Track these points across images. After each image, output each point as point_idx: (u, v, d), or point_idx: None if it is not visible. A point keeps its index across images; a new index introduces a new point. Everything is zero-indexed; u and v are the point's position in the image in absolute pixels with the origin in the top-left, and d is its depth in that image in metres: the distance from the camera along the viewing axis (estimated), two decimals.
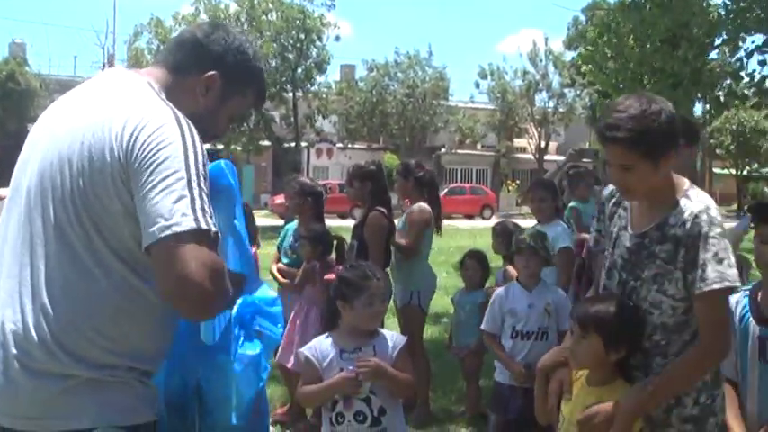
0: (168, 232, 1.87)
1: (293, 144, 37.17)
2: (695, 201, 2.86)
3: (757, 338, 2.82)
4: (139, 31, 36.94)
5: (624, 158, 2.79)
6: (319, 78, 37.21)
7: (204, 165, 2.02)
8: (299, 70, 35.06)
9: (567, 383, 3.06)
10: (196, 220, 1.90)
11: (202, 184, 1.98)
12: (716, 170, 50.96)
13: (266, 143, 36.39)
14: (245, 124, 34.66)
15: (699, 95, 14.59)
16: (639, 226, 2.96)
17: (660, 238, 2.87)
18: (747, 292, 2.88)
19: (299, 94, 36.20)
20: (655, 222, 2.90)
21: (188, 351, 2.56)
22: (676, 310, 2.85)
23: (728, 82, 15.35)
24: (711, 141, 45.17)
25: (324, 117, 40.15)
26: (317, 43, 35.10)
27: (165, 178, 1.92)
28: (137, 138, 1.97)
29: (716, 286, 2.71)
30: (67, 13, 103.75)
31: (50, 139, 2.13)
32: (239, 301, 2.66)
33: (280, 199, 25.20)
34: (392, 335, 3.60)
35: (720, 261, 2.73)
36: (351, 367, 3.39)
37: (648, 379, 2.85)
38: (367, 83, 46.11)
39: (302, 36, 34.25)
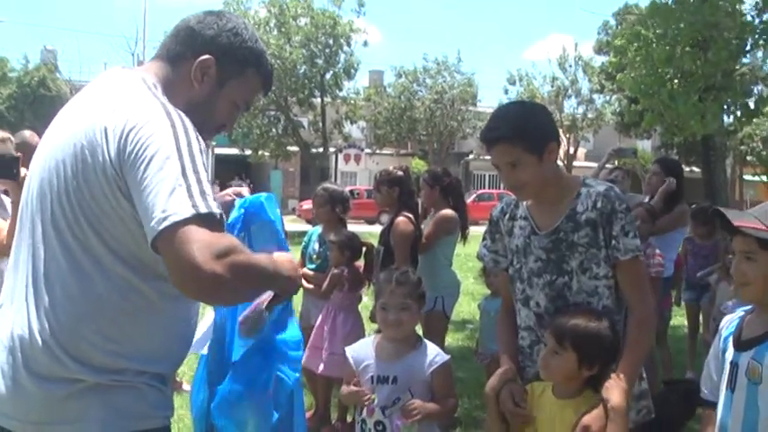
0: (167, 223, 1.83)
1: (321, 149, 37.23)
2: (596, 185, 3.07)
3: (729, 363, 2.69)
4: None
5: (510, 155, 2.95)
6: (348, 84, 37.24)
7: (200, 152, 1.97)
8: (328, 76, 35.10)
9: (517, 395, 3.03)
10: (194, 206, 1.86)
11: (199, 169, 1.93)
12: (746, 177, 50.39)
13: (294, 148, 36.49)
14: (273, 129, 34.77)
15: (729, 101, 14.43)
16: (548, 225, 3.07)
17: (574, 227, 3.01)
18: (743, 314, 2.80)
19: (328, 99, 36.25)
20: (564, 215, 3.04)
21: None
22: (611, 289, 3.03)
23: (760, 87, 15.20)
24: (742, 148, 44.69)
25: (352, 123, 40.20)
26: (346, 49, 35.14)
27: (158, 171, 1.89)
28: (126, 136, 1.95)
29: (630, 255, 2.96)
30: (98, 19, 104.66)
31: (50, 145, 2.14)
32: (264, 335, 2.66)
33: (307, 204, 25.28)
34: (434, 352, 3.54)
35: (627, 233, 2.96)
36: (374, 374, 3.40)
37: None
38: (395, 89, 46.07)
39: (331, 42, 34.30)
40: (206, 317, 2.68)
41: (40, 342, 1.99)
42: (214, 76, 2.24)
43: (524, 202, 3.19)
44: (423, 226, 6.40)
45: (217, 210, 1.91)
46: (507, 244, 3.23)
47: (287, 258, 2.25)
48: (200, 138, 2.02)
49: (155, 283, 2.03)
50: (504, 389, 3.04)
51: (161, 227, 1.83)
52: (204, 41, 2.23)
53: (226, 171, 38.63)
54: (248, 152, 36.90)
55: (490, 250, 3.32)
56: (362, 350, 3.58)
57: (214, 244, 1.84)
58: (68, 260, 2.02)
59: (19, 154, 3.75)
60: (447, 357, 3.55)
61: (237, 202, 3.02)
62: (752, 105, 14.49)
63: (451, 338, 8.63)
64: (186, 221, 1.83)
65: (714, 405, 2.79)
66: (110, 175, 1.97)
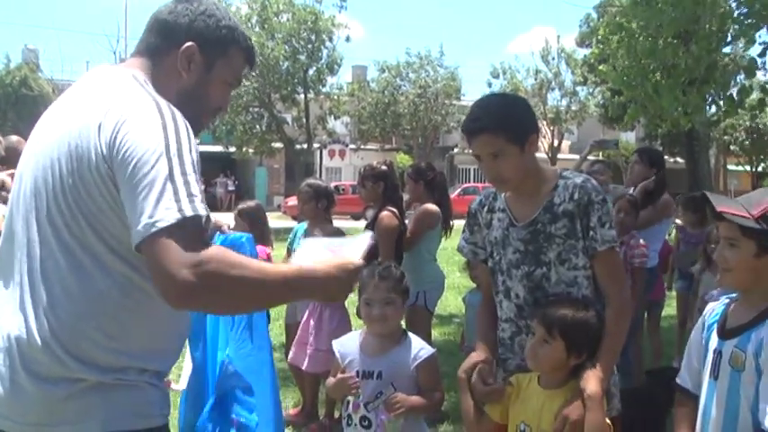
0: (154, 229, 1.83)
1: (305, 146, 37.14)
2: (573, 177, 3.10)
3: (712, 352, 2.71)
4: None
5: (492, 146, 2.97)
6: (331, 80, 37.15)
7: (190, 151, 1.95)
8: (311, 72, 35.02)
9: (485, 373, 3.06)
10: (180, 210, 1.85)
11: (187, 170, 1.91)
12: (730, 167, 50.66)
13: (278, 145, 36.39)
14: (257, 126, 34.66)
15: (713, 93, 14.47)
16: (526, 217, 3.10)
17: (551, 218, 3.05)
18: (728, 302, 2.80)
19: (311, 95, 36.17)
20: (541, 206, 3.06)
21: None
22: (590, 279, 3.07)
23: (742, 77, 15.24)
24: (725, 138, 44.93)
25: (336, 118, 40.12)
26: (328, 44, 35.06)
27: (146, 174, 1.88)
28: (117, 133, 1.94)
29: (606, 246, 3.00)
30: (80, 18, 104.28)
31: (42, 144, 2.12)
32: (223, 370, 2.67)
33: (293, 201, 25.25)
34: (419, 346, 3.54)
35: (603, 224, 2.99)
36: (359, 370, 3.40)
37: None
38: (379, 83, 46.05)
39: (313, 38, 34.22)
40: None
41: (39, 342, 1.97)
42: (200, 62, 2.23)
43: (502, 195, 3.21)
44: (406, 220, 6.41)
45: (203, 212, 1.90)
46: (486, 236, 3.26)
47: (330, 265, 2.15)
48: (191, 135, 2.00)
49: None
50: (475, 372, 3.06)
51: (148, 232, 1.83)
52: (181, 30, 2.22)
53: (210, 169, 38.54)
54: (232, 149, 36.79)
55: (469, 242, 3.35)
56: (349, 344, 3.58)
57: (190, 253, 1.83)
58: (67, 258, 1.99)
59: None
60: (432, 351, 3.54)
61: (218, 238, 3.03)
62: (735, 97, 14.54)
63: (438, 332, 8.64)
64: (172, 228, 1.83)
65: (688, 392, 2.83)
66: (103, 172, 1.96)
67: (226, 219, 4.37)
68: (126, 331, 2.01)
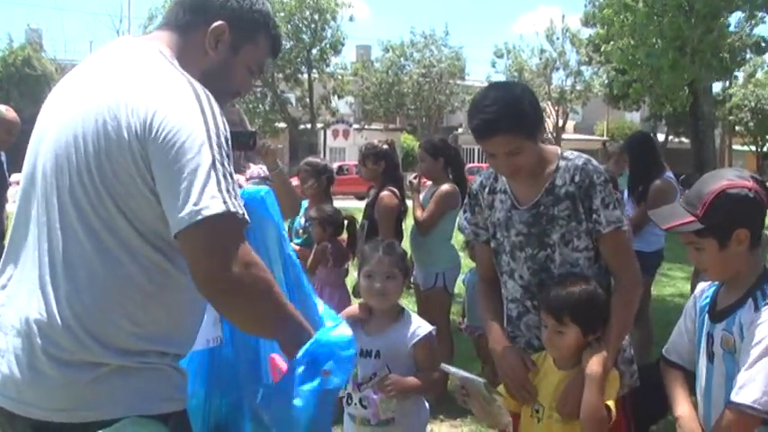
0: (199, 217, 1.81)
1: (309, 125, 37.14)
2: (574, 157, 3.06)
3: (705, 335, 2.72)
4: (154, 14, 36.97)
5: (508, 145, 2.90)
6: (335, 59, 37.22)
7: (226, 139, 1.94)
8: (314, 51, 34.96)
9: (528, 360, 3.07)
10: (225, 202, 1.84)
11: (226, 164, 1.90)
12: (735, 147, 50.53)
13: (282, 125, 36.40)
14: (260, 106, 34.63)
15: (708, 57, 14.38)
16: (528, 199, 3.07)
17: (554, 201, 3.01)
18: (718, 283, 2.80)
19: (315, 75, 36.12)
20: (543, 189, 3.03)
21: (233, 379, 2.55)
22: (591, 261, 3.04)
23: (746, 54, 15.18)
24: (731, 118, 44.78)
25: (340, 98, 40.15)
26: (332, 24, 34.96)
27: (189, 160, 1.85)
28: (155, 114, 1.89)
29: (612, 227, 2.95)
30: None
31: (63, 119, 2.04)
32: (313, 339, 2.56)
33: (295, 181, 25.24)
34: (418, 323, 3.49)
35: (607, 206, 2.95)
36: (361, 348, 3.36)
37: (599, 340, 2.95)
38: (383, 63, 45.92)
39: (317, 17, 34.10)
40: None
41: (61, 326, 1.91)
42: (228, 42, 2.18)
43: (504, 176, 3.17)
44: (408, 201, 6.33)
45: (241, 210, 1.90)
46: (488, 217, 3.22)
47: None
48: (224, 120, 1.97)
49: (180, 263, 1.96)
50: (512, 352, 3.08)
51: (193, 220, 1.81)
52: (214, 8, 2.18)
53: None
54: (253, 129, 36.73)
55: (470, 223, 3.31)
56: (348, 323, 3.55)
57: (243, 250, 1.87)
58: (92, 241, 1.93)
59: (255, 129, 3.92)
60: (430, 329, 3.47)
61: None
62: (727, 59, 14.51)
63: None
64: (217, 218, 1.82)
65: (675, 364, 2.88)
66: (136, 153, 1.90)
67: None
68: (149, 316, 1.98)
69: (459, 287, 6.71)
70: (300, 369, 2.16)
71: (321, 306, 2.53)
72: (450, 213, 6.14)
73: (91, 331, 1.91)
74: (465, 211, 3.35)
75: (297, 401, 2.20)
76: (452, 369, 3.14)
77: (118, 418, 1.92)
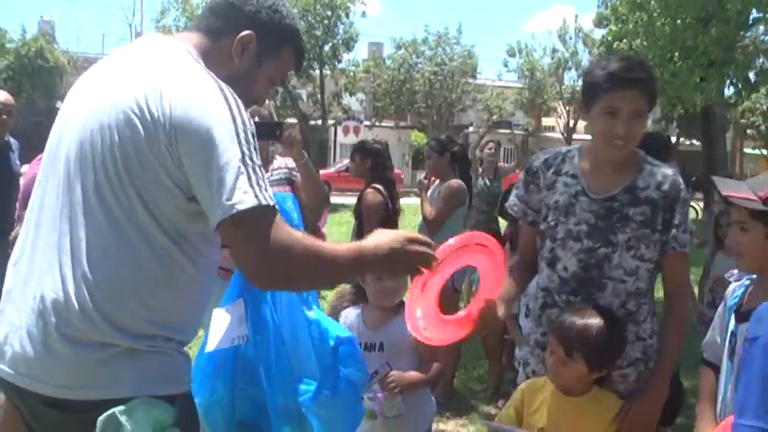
0: (234, 211, 1.91)
1: (320, 122, 37.12)
2: (661, 165, 2.95)
3: (729, 334, 2.71)
4: (167, 8, 36.97)
5: (640, 104, 2.79)
6: (347, 56, 37.06)
7: (253, 135, 2.02)
8: (327, 48, 34.93)
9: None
10: (256, 196, 1.94)
11: (255, 158, 1.99)
12: (747, 150, 50.28)
13: (293, 121, 36.39)
14: (271, 101, 34.62)
15: (731, 74, 14.32)
16: (603, 190, 2.92)
17: (632, 201, 2.87)
18: (748, 282, 2.78)
19: (327, 71, 36.10)
20: (622, 185, 2.90)
21: (258, 377, 2.61)
22: (649, 273, 2.92)
23: (762, 60, 15.10)
24: (742, 121, 44.56)
25: (351, 95, 40.06)
26: (345, 20, 34.92)
27: (221, 155, 1.93)
28: (184, 108, 1.96)
29: (685, 249, 2.89)
30: None
31: (90, 107, 2.10)
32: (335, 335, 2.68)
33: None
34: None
35: (684, 227, 2.89)
36: (366, 342, 3.37)
37: (649, 378, 2.89)
38: (395, 61, 45.83)
39: (329, 13, 34.08)
40: (216, 316, 2.66)
41: (77, 306, 1.98)
42: (254, 52, 2.25)
43: (575, 159, 3.02)
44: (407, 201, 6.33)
45: (272, 201, 1.99)
46: (543, 198, 3.04)
47: (388, 236, 2.25)
48: (249, 116, 2.05)
49: (193, 255, 2.07)
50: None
51: (227, 214, 1.92)
52: (244, 17, 2.24)
53: None
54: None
55: (522, 200, 3.13)
56: (351, 317, 3.56)
57: (281, 234, 1.98)
58: (112, 227, 2.00)
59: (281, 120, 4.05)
60: None
61: None
62: (753, 79, 14.41)
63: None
64: (251, 212, 1.92)
65: (711, 365, 2.85)
66: (163, 145, 1.97)
67: None
68: (160, 302, 2.05)
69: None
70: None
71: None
72: (457, 211, 6.17)
73: (104, 313, 1.98)
74: (518, 188, 3.16)
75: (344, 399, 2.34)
76: (503, 427, 3.04)
77: (125, 397, 1.97)
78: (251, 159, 1.97)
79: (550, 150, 3.15)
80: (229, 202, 1.91)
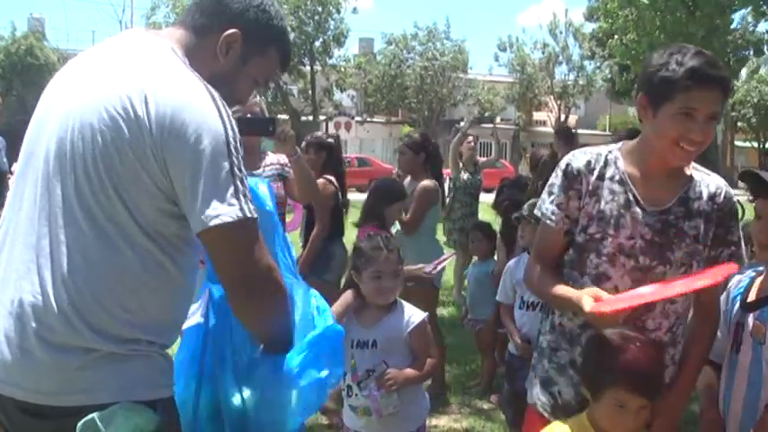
0: (219, 222, 1.91)
1: (311, 117, 37.11)
2: (710, 173, 2.68)
3: (734, 324, 2.65)
4: (157, 4, 36.95)
5: (718, 106, 2.47)
6: (337, 51, 37.12)
7: (240, 142, 2.00)
8: (317, 43, 34.92)
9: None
10: (241, 209, 1.94)
11: (242, 168, 1.98)
12: (738, 143, 50.50)
13: (284, 116, 36.37)
14: (262, 97, 34.60)
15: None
16: (657, 202, 2.59)
17: (686, 214, 2.59)
18: (754, 274, 2.72)
19: (317, 67, 36.08)
20: (676, 197, 2.60)
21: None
22: (697, 293, 2.61)
23: (750, 52, 15.14)
24: (733, 114, 44.73)
25: (342, 90, 40.09)
26: (336, 16, 34.91)
27: (210, 166, 1.92)
28: (172, 111, 1.92)
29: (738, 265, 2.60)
30: None
31: (72, 104, 2.03)
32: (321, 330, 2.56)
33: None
34: (411, 311, 3.51)
35: (740, 243, 2.64)
36: (357, 339, 3.38)
37: (676, 385, 2.64)
38: (385, 56, 45.83)
39: (320, 9, 34.07)
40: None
41: (56, 309, 1.92)
42: (239, 51, 2.20)
43: (618, 164, 2.65)
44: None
45: (254, 214, 1.99)
46: (584, 205, 2.64)
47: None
48: (234, 122, 2.02)
49: (174, 256, 2.03)
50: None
51: (212, 223, 1.92)
52: (231, 15, 2.18)
53: None
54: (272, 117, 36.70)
55: (561, 208, 2.66)
56: (342, 314, 3.56)
57: (262, 252, 2.02)
58: (91, 228, 1.95)
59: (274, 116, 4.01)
60: (423, 315, 3.51)
61: None
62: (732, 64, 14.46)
63: (441, 307, 8.64)
64: (235, 224, 1.93)
65: (712, 362, 2.79)
66: (148, 149, 1.92)
67: None
68: (141, 305, 2.00)
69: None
70: (303, 356, 2.18)
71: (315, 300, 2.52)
72: (432, 210, 6.20)
73: (84, 316, 1.93)
74: (553, 193, 2.69)
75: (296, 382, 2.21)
76: None
77: (106, 403, 1.92)
78: (239, 170, 1.96)
79: (589, 150, 2.73)
80: (214, 213, 1.91)
